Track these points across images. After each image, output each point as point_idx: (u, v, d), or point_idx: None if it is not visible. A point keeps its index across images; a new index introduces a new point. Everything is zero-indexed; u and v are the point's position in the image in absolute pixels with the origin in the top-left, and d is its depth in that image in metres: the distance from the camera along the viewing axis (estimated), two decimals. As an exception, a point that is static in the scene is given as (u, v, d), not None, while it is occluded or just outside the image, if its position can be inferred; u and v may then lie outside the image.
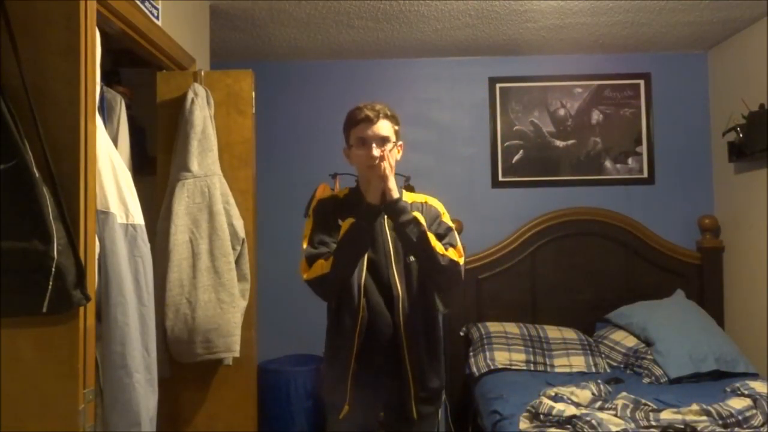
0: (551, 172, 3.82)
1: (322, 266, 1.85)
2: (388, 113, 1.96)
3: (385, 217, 1.92)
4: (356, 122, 1.93)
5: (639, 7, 3.05)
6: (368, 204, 1.86)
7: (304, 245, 1.95)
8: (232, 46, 3.53)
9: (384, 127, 1.93)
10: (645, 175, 3.80)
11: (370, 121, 1.91)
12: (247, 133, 2.53)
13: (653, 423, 2.32)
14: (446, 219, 2.02)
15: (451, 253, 1.88)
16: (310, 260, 1.89)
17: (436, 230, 1.95)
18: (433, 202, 2.06)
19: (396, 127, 1.98)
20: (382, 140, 1.91)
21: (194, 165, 2.34)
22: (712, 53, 3.79)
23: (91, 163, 1.45)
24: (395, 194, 1.87)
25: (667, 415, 2.37)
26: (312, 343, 3.73)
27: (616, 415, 2.39)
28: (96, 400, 1.54)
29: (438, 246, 1.86)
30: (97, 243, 1.62)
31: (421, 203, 2.03)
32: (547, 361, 3.20)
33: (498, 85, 3.83)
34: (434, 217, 1.99)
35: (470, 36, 3.46)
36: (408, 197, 2.00)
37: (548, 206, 3.74)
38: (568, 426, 2.31)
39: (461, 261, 1.92)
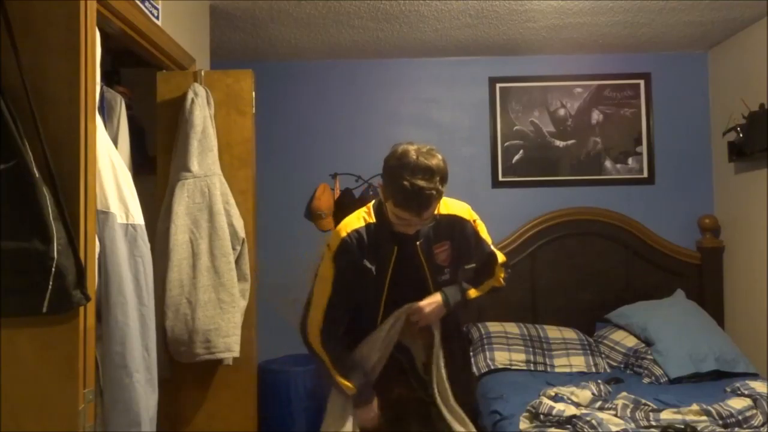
0: (551, 172, 3.81)
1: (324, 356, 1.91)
2: (439, 193, 1.72)
3: (418, 243, 1.88)
4: (398, 203, 1.72)
5: (639, 7, 3.05)
6: (395, 234, 1.87)
7: (323, 298, 1.86)
8: (232, 46, 3.52)
9: (430, 213, 1.77)
10: (645, 175, 3.80)
11: (418, 215, 1.73)
12: (247, 133, 2.53)
13: (653, 423, 2.32)
14: (482, 231, 2.00)
15: (498, 274, 2.04)
16: (322, 338, 1.88)
17: (478, 256, 2.00)
18: (464, 213, 1.97)
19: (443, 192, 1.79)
20: (425, 220, 1.81)
21: (194, 165, 2.34)
22: (712, 53, 3.79)
23: (91, 162, 1.45)
24: (441, 313, 1.93)
25: (667, 415, 2.37)
26: (312, 343, 3.74)
27: (616, 415, 2.39)
28: (96, 400, 1.54)
29: (487, 282, 2.03)
30: (97, 243, 1.62)
31: (453, 220, 1.94)
32: (547, 361, 3.20)
33: (498, 85, 3.83)
34: (470, 237, 1.97)
35: (470, 36, 3.46)
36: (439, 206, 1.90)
37: (548, 206, 3.74)
38: (568, 426, 2.31)
39: (501, 258, 2.07)
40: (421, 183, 1.66)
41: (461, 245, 1.95)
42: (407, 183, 1.66)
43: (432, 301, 1.91)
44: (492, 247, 2.04)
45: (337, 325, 1.91)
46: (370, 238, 1.86)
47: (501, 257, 2.06)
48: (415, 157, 1.69)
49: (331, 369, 1.89)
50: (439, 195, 1.72)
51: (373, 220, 1.89)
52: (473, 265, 2.03)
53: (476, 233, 1.98)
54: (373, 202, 1.96)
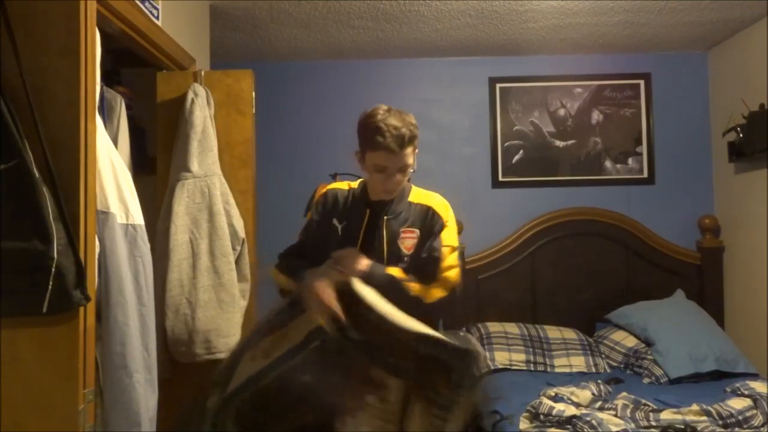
0: (551, 172, 3.81)
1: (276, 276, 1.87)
2: (412, 135, 1.75)
3: (385, 218, 1.84)
4: (375, 146, 1.73)
5: (639, 7, 3.05)
6: (370, 203, 1.86)
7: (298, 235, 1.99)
8: (232, 46, 3.53)
9: (406, 156, 1.76)
10: (645, 175, 3.80)
11: (392, 152, 1.72)
12: (247, 133, 2.53)
13: (653, 423, 2.32)
14: (449, 235, 1.82)
15: (434, 290, 1.72)
16: (282, 258, 1.91)
17: (428, 251, 1.79)
18: (440, 207, 1.87)
19: (416, 144, 1.79)
20: (403, 169, 1.78)
21: (194, 165, 2.34)
22: (712, 53, 3.79)
23: (91, 163, 1.45)
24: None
25: (667, 416, 2.37)
26: (312, 343, 3.74)
27: (616, 415, 2.39)
28: (96, 400, 1.54)
29: (415, 292, 1.70)
30: (97, 243, 1.62)
31: (427, 210, 1.85)
32: (547, 361, 3.20)
33: (498, 85, 3.83)
34: (433, 232, 1.82)
35: (470, 36, 3.46)
36: (414, 196, 1.89)
37: (548, 206, 3.74)
38: (568, 426, 2.31)
39: (445, 292, 1.74)
40: (395, 122, 1.73)
41: (427, 238, 1.83)
42: (382, 124, 1.73)
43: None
44: (445, 254, 1.79)
45: (294, 256, 1.93)
46: (345, 201, 1.92)
47: (442, 288, 1.74)
48: (385, 108, 1.78)
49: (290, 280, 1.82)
50: (413, 137, 1.76)
51: (355, 186, 1.95)
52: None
53: (439, 232, 1.82)
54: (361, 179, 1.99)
